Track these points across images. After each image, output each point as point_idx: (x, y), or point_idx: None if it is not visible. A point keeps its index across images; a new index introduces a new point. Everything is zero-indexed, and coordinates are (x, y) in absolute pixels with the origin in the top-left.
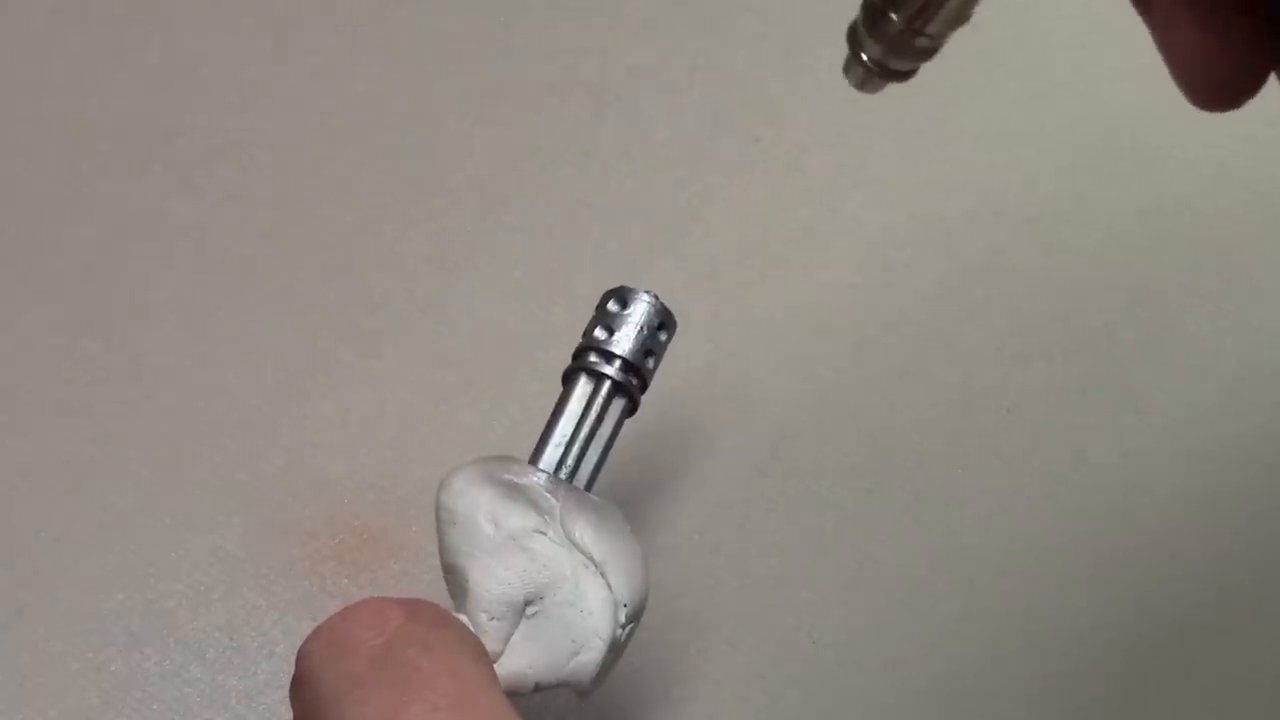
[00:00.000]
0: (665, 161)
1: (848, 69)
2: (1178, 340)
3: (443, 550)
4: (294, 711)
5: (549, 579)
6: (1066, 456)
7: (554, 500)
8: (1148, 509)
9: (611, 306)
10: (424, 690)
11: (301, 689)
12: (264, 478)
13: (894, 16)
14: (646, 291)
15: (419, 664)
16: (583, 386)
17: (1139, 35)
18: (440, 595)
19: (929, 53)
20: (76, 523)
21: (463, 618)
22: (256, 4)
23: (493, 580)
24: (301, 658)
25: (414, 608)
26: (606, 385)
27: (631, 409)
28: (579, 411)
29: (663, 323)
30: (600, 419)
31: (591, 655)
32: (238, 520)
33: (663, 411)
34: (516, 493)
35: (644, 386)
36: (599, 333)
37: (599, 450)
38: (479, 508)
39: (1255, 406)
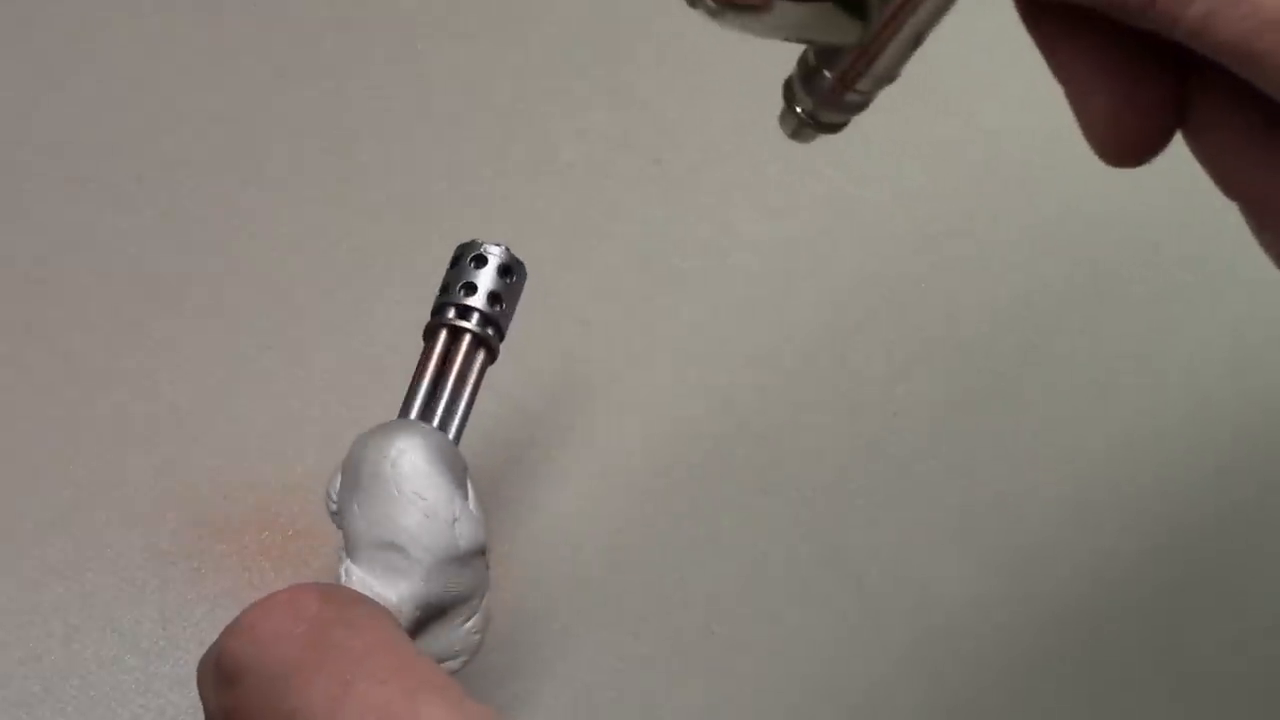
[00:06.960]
0: (571, 180)
1: (782, 119)
2: (1057, 348)
3: (385, 525)
4: (220, 711)
5: (473, 596)
6: (953, 459)
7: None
8: (1031, 508)
9: (462, 261)
10: (362, 666)
11: (233, 688)
12: (196, 478)
13: (827, 74)
14: (494, 243)
15: (350, 643)
16: (441, 341)
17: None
18: None
19: (859, 107)
20: (17, 520)
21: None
22: (234, 18)
23: (439, 587)
24: (226, 656)
25: (326, 591)
26: (465, 338)
27: (491, 357)
28: (439, 366)
29: (511, 270)
30: (462, 371)
31: (458, 664)
32: (171, 518)
33: (565, 418)
34: (473, 505)
35: (500, 335)
36: (452, 287)
37: (464, 401)
38: (447, 511)
39: (1176, 405)
